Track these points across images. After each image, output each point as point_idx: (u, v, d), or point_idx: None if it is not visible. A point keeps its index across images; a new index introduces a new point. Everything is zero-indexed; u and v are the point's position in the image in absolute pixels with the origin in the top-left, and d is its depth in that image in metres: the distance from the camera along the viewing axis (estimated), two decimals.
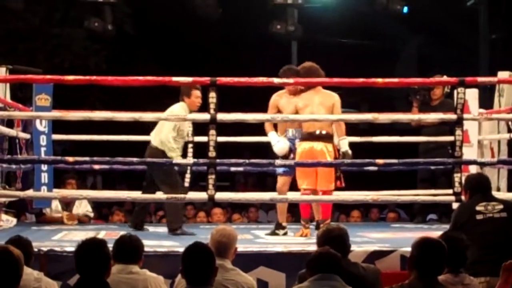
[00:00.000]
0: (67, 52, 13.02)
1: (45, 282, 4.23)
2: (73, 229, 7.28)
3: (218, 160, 5.92)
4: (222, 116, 5.99)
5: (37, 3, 12.44)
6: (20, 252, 3.54)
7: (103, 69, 12.59)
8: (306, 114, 6.55)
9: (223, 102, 5.98)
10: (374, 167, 7.29)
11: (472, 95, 7.40)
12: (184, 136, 7.04)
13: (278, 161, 6.35)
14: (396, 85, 7.98)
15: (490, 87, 8.62)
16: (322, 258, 3.95)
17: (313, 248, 4.57)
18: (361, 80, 6.29)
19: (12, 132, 7.48)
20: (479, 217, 5.11)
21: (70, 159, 6.13)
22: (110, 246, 4.09)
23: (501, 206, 5.15)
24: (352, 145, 6.75)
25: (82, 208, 8.02)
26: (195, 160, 6.76)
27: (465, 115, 6.29)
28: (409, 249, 4.02)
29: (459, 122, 6.12)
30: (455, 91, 6.42)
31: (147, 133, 7.19)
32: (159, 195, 6.75)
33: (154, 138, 6.92)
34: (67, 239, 6.30)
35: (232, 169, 7.88)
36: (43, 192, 7.43)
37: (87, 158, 6.16)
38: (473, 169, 7.18)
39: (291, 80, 6.43)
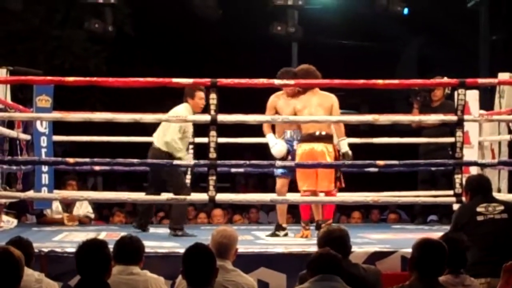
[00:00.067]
0: (68, 53, 13.03)
1: (46, 283, 4.23)
2: (73, 230, 7.26)
3: (218, 161, 5.92)
4: (222, 117, 6.00)
5: (37, 4, 12.44)
6: (20, 253, 3.54)
7: (104, 70, 12.59)
8: (304, 115, 6.54)
9: (223, 103, 5.98)
10: (374, 169, 7.31)
11: (472, 97, 7.41)
12: (189, 137, 7.04)
13: (279, 162, 6.35)
14: (396, 87, 8.03)
15: (491, 89, 8.62)
16: (322, 259, 3.95)
17: (314, 249, 4.57)
18: (361, 81, 6.29)
19: (12, 133, 7.48)
20: (479, 218, 5.11)
21: (71, 160, 6.13)
22: (111, 247, 4.08)
23: (501, 207, 5.15)
24: (352, 146, 6.74)
25: (83, 209, 8.01)
26: (196, 161, 6.75)
27: (466, 117, 6.30)
28: (409, 250, 4.03)
29: (459, 123, 6.13)
30: (456, 93, 6.43)
31: (148, 134, 7.18)
32: (158, 197, 6.76)
33: (158, 139, 6.89)
34: (67, 240, 6.29)
35: (233, 170, 7.91)
36: (44, 193, 7.41)
37: (87, 159, 6.17)
38: (474, 170, 7.17)
39: (292, 82, 6.43)
